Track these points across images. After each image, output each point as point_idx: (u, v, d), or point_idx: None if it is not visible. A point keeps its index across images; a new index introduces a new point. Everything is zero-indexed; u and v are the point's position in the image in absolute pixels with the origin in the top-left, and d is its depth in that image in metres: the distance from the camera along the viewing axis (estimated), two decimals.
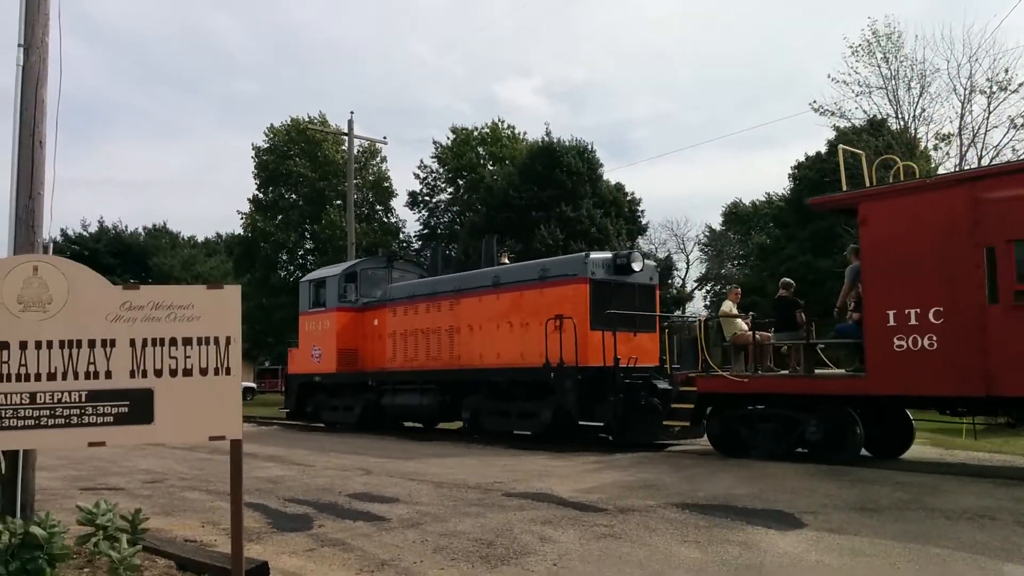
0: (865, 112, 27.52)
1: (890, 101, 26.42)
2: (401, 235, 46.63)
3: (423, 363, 17.03)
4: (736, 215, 48.44)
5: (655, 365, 13.82)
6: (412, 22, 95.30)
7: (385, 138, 49.61)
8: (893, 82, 26.08)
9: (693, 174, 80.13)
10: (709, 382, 11.60)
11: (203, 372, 4.60)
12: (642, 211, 38.01)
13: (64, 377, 4.34)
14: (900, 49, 25.84)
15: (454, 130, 44.44)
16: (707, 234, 50.41)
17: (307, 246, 45.50)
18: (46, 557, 4.71)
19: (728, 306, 13.37)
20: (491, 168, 41.68)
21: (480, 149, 44.10)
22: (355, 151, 35.11)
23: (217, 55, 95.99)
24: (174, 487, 9.54)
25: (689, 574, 5.13)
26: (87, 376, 4.38)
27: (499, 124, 44.99)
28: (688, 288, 48.18)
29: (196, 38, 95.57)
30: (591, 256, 14.64)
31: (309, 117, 44.13)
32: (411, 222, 51.11)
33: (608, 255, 14.90)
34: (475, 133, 44.50)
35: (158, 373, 4.51)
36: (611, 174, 44.81)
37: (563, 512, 7.28)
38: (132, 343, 4.47)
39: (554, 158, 34.06)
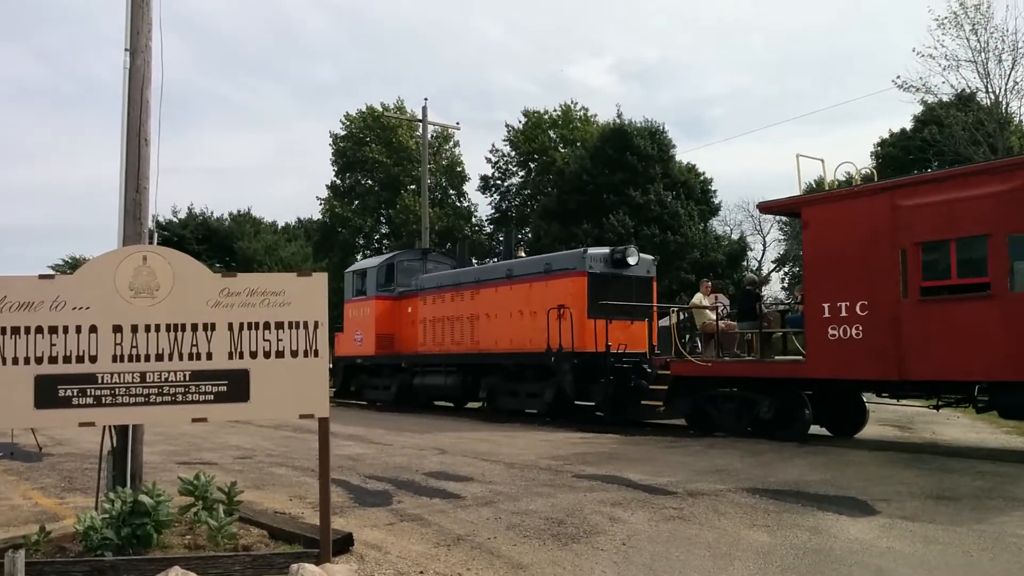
0: (953, 87, 26.55)
1: (979, 75, 25.39)
2: (473, 219, 47.12)
3: (448, 347, 18.70)
4: None
5: (645, 351, 14.95)
6: (483, 3, 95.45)
7: (458, 123, 50.27)
8: (983, 55, 25.04)
9: (771, 153, 78.16)
10: (681, 366, 12.95)
11: (293, 354, 4.94)
12: (714, 191, 37.48)
13: (170, 358, 4.74)
14: (989, 20, 24.77)
15: (526, 113, 44.59)
16: None
17: (383, 231, 46.46)
18: (153, 523, 5.12)
19: (699, 298, 14.62)
20: (562, 151, 41.68)
21: (551, 132, 44.11)
22: (428, 137, 35.63)
23: (297, 43, 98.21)
24: (262, 463, 10.06)
25: (757, 557, 5.24)
26: (190, 357, 4.77)
27: (571, 106, 44.91)
28: (765, 270, 47.28)
29: (279, 26, 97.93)
30: (589, 251, 16.20)
31: (384, 105, 44.91)
32: (483, 206, 51.59)
33: (606, 250, 16.39)
34: (546, 116, 44.53)
35: (253, 355, 4.87)
36: (686, 155, 44.21)
37: (632, 494, 7.44)
38: (230, 327, 4.84)
39: (625, 141, 33.86)
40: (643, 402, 13.79)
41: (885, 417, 13.29)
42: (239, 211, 57.62)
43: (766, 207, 14.62)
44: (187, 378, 4.76)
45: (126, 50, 5.73)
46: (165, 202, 57.92)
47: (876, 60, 71.37)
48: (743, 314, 13.72)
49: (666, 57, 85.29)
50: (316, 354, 5.01)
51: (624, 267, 15.98)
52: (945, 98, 27.18)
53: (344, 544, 5.46)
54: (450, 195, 47.24)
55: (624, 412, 14.40)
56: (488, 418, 16.74)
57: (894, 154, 32.27)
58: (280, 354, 4.94)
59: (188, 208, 54.73)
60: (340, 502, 7.20)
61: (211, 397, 4.81)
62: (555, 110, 44.78)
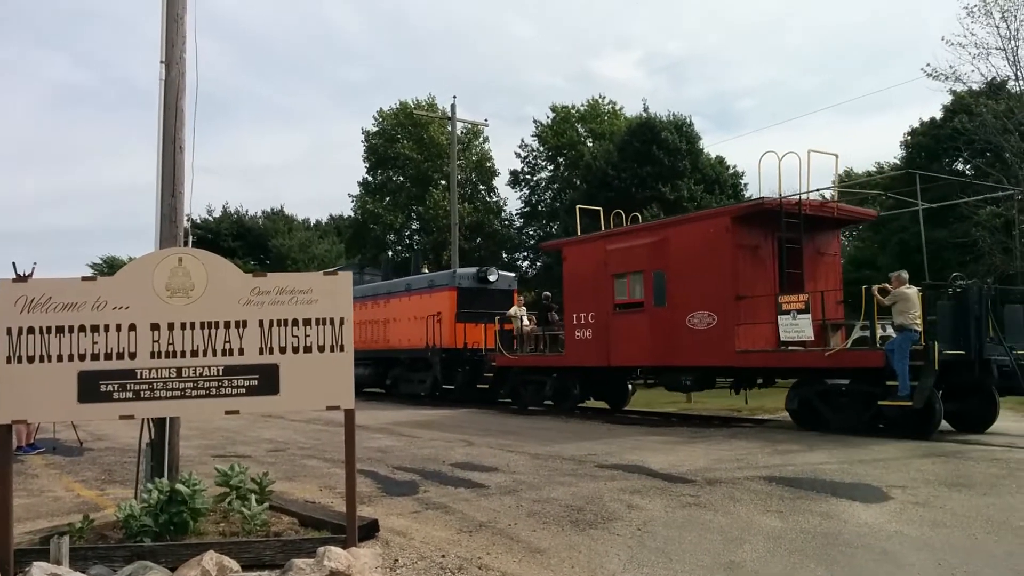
0: (983, 75, 26.18)
1: (1009, 62, 25.02)
2: (503, 213, 47.31)
3: (370, 345, 23.42)
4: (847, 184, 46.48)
5: (492, 348, 18.58)
6: (513, 1, 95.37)
7: (487, 120, 50.28)
8: (1013, 42, 24.66)
9: (802, 143, 77.21)
10: (501, 359, 17.73)
11: (320, 349, 5.21)
12: (745, 184, 37.24)
13: (204, 354, 5.03)
14: (1020, 7, 24.39)
15: (553, 108, 44.61)
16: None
17: (413, 226, 46.86)
18: (189, 511, 5.40)
19: (514, 310, 19.03)
20: (590, 145, 41.66)
21: (579, 127, 44.11)
22: (458, 133, 35.90)
23: (331, 41, 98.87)
24: (294, 455, 10.39)
25: (767, 540, 5.42)
26: (224, 353, 5.05)
27: (599, 100, 44.87)
28: None
29: (313, 26, 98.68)
30: (458, 271, 21.63)
31: (417, 101, 45.25)
32: (512, 200, 51.73)
33: (473, 270, 21.66)
34: (574, 110, 44.53)
35: (283, 350, 5.15)
36: (716, 148, 43.92)
37: (652, 483, 7.63)
38: (261, 324, 5.12)
39: (652, 134, 33.71)
40: (478, 386, 18.94)
41: None
42: (272, 209, 58.35)
43: (544, 247, 22.21)
44: (220, 373, 5.05)
45: (161, 62, 6.01)
46: (200, 201, 58.90)
47: (917, 51, 70.21)
48: (540, 320, 18.36)
49: (694, 52, 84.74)
50: (342, 349, 5.26)
51: (487, 283, 20.91)
52: (975, 87, 26.83)
53: (370, 530, 5.71)
54: (480, 190, 47.50)
55: (475, 393, 19.26)
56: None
57: (925, 143, 31.72)
58: (308, 349, 5.20)
59: (223, 207, 55.56)
60: (368, 492, 7.47)
61: (243, 391, 5.09)
62: (583, 104, 44.80)
